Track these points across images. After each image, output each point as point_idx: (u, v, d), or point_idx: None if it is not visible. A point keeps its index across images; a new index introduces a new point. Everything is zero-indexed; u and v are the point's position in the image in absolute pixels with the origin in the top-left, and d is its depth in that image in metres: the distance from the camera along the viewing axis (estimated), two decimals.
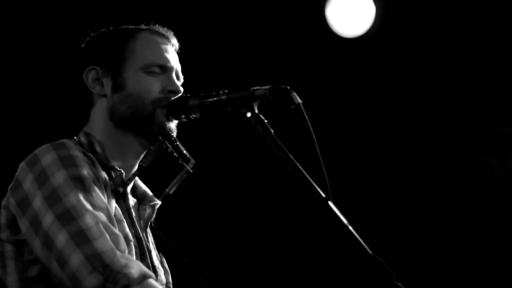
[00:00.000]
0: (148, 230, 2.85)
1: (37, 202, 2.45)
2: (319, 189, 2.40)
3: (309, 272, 5.81)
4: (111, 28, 2.88)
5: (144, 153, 2.78)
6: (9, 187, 2.56)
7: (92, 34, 2.86)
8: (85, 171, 2.50)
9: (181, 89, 2.78)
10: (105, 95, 2.77)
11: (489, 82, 5.76)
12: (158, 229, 2.90)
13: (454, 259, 5.78)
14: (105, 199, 2.52)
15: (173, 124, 2.75)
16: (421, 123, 5.89)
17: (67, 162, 2.50)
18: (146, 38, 2.81)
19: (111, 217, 2.49)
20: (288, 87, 2.52)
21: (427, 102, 5.86)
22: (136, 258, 2.57)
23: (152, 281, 2.38)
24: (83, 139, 2.72)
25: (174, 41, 2.87)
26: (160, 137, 2.72)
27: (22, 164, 2.54)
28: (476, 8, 5.59)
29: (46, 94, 5.01)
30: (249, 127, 2.54)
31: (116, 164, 2.71)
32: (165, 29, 2.87)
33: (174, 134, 2.77)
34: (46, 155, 2.51)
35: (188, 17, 5.31)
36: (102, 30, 2.87)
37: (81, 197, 2.44)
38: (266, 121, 2.53)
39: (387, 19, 5.66)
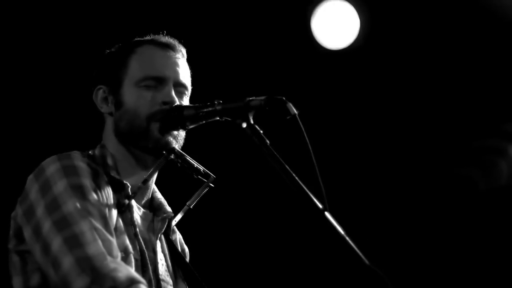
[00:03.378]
0: (163, 241, 2.86)
1: (40, 210, 2.50)
2: (315, 200, 2.40)
3: (308, 283, 5.80)
4: (118, 45, 2.90)
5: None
6: (19, 198, 2.61)
7: (98, 51, 2.89)
8: (86, 180, 2.55)
9: (176, 99, 2.76)
10: (111, 113, 2.81)
11: (476, 95, 5.80)
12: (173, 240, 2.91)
13: (444, 269, 5.80)
14: (104, 208, 2.54)
15: (170, 137, 2.74)
16: (408, 135, 5.91)
17: (69, 171, 2.55)
18: (143, 52, 2.82)
19: (108, 225, 2.52)
20: (284, 98, 2.52)
21: (413, 114, 5.89)
22: (137, 270, 2.59)
23: (141, 286, 2.39)
24: (97, 151, 2.78)
25: (179, 49, 2.87)
26: (164, 152, 2.73)
27: (30, 176, 2.60)
28: (462, 20, 5.63)
29: (70, 109, 5.00)
30: (244, 138, 2.54)
31: (127, 177, 2.74)
32: (168, 38, 2.88)
33: (176, 146, 2.77)
34: (51, 166, 2.57)
35: (176, 29, 5.30)
36: (112, 48, 2.90)
37: (79, 204, 2.48)
38: (261, 131, 2.52)
39: (372, 32, 5.69)
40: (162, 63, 2.80)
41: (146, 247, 2.71)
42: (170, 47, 2.84)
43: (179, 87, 2.81)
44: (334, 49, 5.75)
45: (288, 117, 2.49)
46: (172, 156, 2.74)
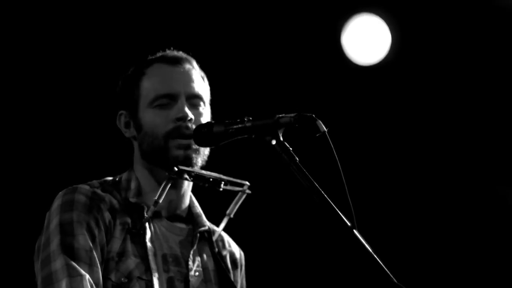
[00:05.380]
0: (205, 256, 2.90)
1: (41, 248, 2.66)
2: (344, 218, 2.41)
3: None
4: (132, 67, 2.95)
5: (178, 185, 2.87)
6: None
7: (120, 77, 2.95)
8: (79, 215, 2.66)
9: (189, 113, 2.78)
10: (134, 137, 2.88)
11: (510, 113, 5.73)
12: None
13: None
14: (89, 242, 2.63)
15: (191, 152, 2.78)
16: (442, 153, 5.82)
17: (65, 207, 2.68)
18: (152, 71, 2.87)
19: (90, 258, 2.62)
20: (313, 115, 2.53)
21: (447, 131, 5.80)
22: None
23: None
24: (124, 176, 2.87)
25: (187, 61, 2.90)
26: (166, 173, 2.76)
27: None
28: (497, 37, 5.57)
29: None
30: (274, 155, 2.55)
31: (151, 198, 2.77)
32: (176, 53, 2.92)
33: (199, 160, 2.80)
34: (56, 201, 2.71)
35: (201, 47, 5.32)
36: (128, 71, 2.96)
37: (61, 242, 2.61)
38: (291, 149, 2.53)
39: (403, 47, 5.65)
40: (171, 79, 2.84)
41: (177, 264, 2.77)
42: (178, 61, 2.88)
43: (193, 99, 2.85)
44: (364, 65, 5.72)
45: (317, 135, 2.50)
46: (184, 175, 2.76)
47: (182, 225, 2.88)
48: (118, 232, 2.70)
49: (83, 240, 2.62)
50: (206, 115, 2.88)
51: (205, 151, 2.84)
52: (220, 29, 5.48)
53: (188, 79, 2.86)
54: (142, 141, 2.83)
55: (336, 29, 5.71)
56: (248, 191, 2.88)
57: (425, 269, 5.74)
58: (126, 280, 2.65)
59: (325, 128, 2.49)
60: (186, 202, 2.91)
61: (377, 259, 2.34)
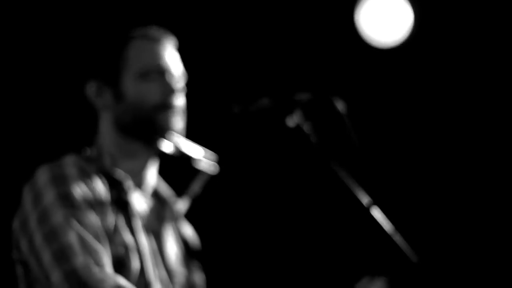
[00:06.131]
0: (174, 231, 2.96)
1: (32, 223, 2.62)
2: (361, 196, 2.44)
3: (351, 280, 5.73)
4: (111, 37, 2.98)
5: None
6: (17, 211, 2.72)
7: (89, 44, 2.96)
8: (76, 188, 2.64)
9: (179, 90, 2.86)
10: (108, 107, 2.89)
11: None
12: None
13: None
14: (95, 215, 2.64)
15: (175, 123, 2.84)
16: (463, 141, 5.69)
17: (59, 181, 2.65)
18: (139, 45, 2.91)
19: (99, 232, 2.62)
20: (330, 96, 2.56)
21: (469, 122, 5.61)
22: (137, 266, 2.70)
23: None
24: (94, 149, 2.87)
25: (170, 42, 2.97)
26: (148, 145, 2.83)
27: (25, 187, 2.71)
28: None
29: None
30: (291, 135, 2.58)
31: (127, 171, 2.82)
32: (159, 31, 2.97)
33: (182, 132, 2.86)
34: (42, 175, 2.67)
35: (217, 27, 5.31)
36: (98, 39, 2.97)
37: (67, 215, 2.59)
38: (308, 129, 2.56)
39: (426, 27, 5.45)
40: (160, 56, 2.90)
41: (155, 237, 2.84)
42: (162, 41, 2.94)
43: (178, 77, 2.91)
44: (382, 47, 5.51)
45: (334, 115, 2.53)
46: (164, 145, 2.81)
47: (154, 200, 2.94)
48: (109, 205, 2.72)
49: (86, 214, 2.61)
50: (184, 96, 2.95)
51: (185, 124, 2.89)
52: (231, 9, 5.43)
53: (173, 57, 2.94)
54: (125, 112, 2.84)
55: (351, 7, 5.55)
56: (212, 165, 2.91)
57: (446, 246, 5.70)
58: (123, 251, 2.67)
59: (342, 109, 2.53)
60: (155, 177, 2.96)
61: (396, 237, 2.37)
